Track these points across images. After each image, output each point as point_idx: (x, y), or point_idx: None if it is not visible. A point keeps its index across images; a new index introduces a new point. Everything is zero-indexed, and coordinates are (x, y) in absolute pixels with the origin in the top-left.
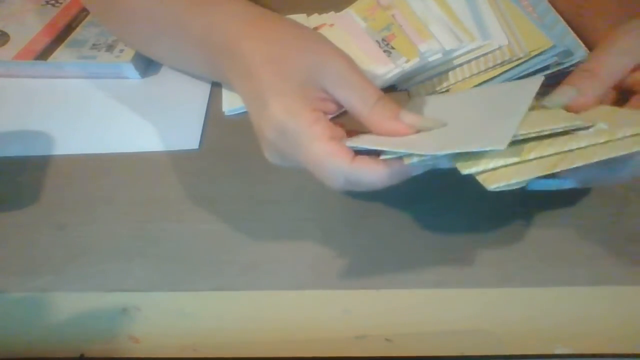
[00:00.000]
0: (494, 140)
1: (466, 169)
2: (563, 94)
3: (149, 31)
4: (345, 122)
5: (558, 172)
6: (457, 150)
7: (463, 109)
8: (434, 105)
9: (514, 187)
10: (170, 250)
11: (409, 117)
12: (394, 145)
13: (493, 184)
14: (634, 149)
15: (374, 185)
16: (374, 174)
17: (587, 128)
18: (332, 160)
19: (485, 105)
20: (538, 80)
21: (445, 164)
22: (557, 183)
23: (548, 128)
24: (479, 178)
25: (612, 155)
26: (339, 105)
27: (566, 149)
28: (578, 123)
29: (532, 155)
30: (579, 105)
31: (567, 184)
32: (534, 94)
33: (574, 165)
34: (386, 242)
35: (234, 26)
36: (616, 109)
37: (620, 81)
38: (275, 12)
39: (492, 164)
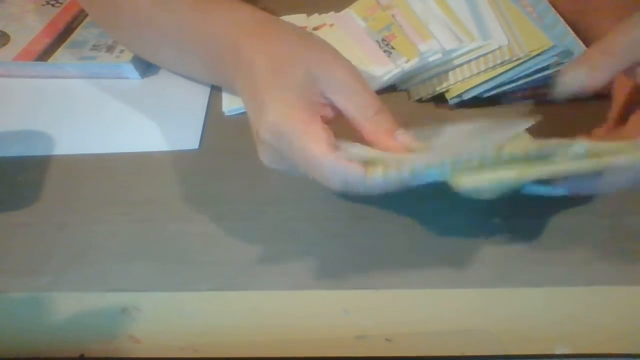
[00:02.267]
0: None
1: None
2: (576, 72)
3: (154, 38)
4: (337, 133)
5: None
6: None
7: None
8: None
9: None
10: (170, 250)
11: (403, 137)
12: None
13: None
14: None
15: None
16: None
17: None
18: (328, 160)
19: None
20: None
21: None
22: (548, 190)
23: (535, 146)
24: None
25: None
26: (337, 110)
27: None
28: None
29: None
30: (595, 80)
31: (558, 192)
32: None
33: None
34: (386, 242)
35: (236, 33)
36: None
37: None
38: (276, 16)
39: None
